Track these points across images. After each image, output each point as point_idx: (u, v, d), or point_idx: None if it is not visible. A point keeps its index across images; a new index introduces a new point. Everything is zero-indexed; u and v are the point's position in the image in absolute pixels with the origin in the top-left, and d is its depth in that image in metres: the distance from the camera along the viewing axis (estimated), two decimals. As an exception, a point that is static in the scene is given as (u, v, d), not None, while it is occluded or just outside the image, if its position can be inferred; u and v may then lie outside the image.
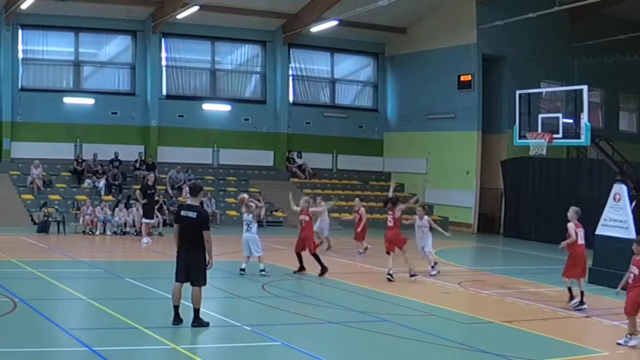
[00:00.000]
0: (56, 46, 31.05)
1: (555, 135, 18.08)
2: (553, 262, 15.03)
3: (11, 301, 12.33)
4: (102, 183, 29.22)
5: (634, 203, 17.57)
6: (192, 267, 11.19)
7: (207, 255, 11.20)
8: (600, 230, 17.75)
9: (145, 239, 22.94)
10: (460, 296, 15.96)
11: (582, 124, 17.42)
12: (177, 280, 11.33)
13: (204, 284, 11.35)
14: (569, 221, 14.43)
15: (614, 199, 17.53)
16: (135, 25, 31.62)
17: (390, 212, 17.09)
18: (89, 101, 31.22)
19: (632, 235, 17.04)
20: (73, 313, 12.58)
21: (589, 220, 19.30)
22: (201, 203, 12.41)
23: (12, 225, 24.61)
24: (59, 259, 19.17)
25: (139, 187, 25.57)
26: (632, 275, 11.34)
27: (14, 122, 29.86)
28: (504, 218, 31.67)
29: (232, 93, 34.12)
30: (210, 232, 11.24)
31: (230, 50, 34.31)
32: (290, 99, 34.86)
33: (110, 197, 28.22)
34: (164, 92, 32.63)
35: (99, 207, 25.32)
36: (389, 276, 16.64)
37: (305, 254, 17.34)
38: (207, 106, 33.34)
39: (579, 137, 17.80)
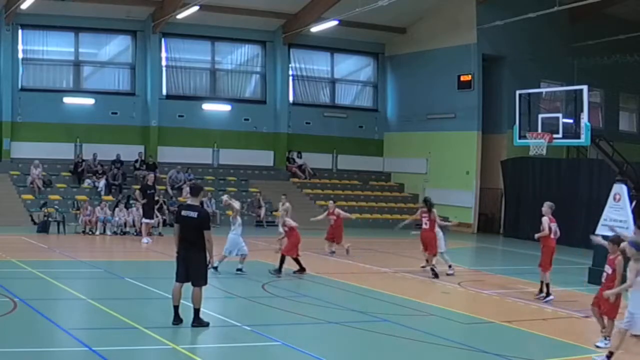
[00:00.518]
0: (56, 46, 31.04)
1: (555, 135, 18.10)
2: (553, 262, 15.03)
3: (11, 301, 12.33)
4: (102, 183, 29.23)
5: (634, 203, 17.57)
6: (192, 267, 11.19)
7: (207, 255, 11.21)
8: (600, 230, 17.69)
9: (145, 239, 22.94)
10: (460, 296, 15.96)
11: (582, 124, 17.43)
12: (177, 280, 11.33)
13: (205, 284, 11.35)
14: (543, 215, 14.98)
15: (614, 199, 17.53)
16: (135, 25, 31.62)
17: (425, 215, 17.67)
18: (89, 101, 31.22)
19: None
20: (73, 313, 12.58)
21: (589, 220, 19.34)
22: (201, 203, 12.41)
23: (12, 225, 24.60)
24: (59, 259, 19.16)
25: (139, 187, 25.57)
26: (605, 274, 11.31)
27: (14, 122, 29.86)
28: (504, 218, 31.66)
29: (232, 93, 34.12)
30: (211, 232, 11.26)
31: (230, 50, 34.31)
32: (290, 99, 34.85)
33: (110, 197, 28.22)
34: (164, 92, 32.63)
35: (98, 207, 25.32)
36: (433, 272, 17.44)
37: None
38: (207, 106, 33.34)
39: (579, 137, 17.82)
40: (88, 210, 25.09)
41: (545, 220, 14.91)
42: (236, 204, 16.97)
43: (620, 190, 17.51)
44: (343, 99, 36.50)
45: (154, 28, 31.40)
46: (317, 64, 35.76)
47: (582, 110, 17.55)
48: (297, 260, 17.34)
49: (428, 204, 17.84)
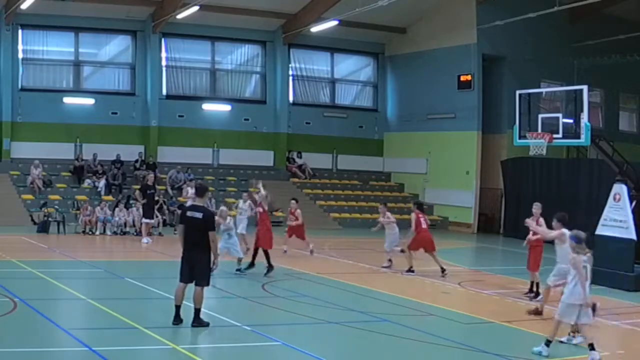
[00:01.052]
0: (56, 46, 31.05)
1: (555, 135, 18.09)
2: (553, 262, 15.01)
3: (11, 301, 12.33)
4: (102, 183, 29.24)
5: (634, 203, 17.57)
6: (196, 268, 11.19)
7: (212, 256, 11.21)
8: (600, 230, 17.74)
9: (145, 239, 22.94)
10: (460, 296, 15.96)
11: (582, 124, 17.43)
12: (181, 280, 11.32)
13: (207, 284, 11.36)
14: (538, 218, 15.19)
15: (614, 199, 17.53)
16: (135, 25, 31.63)
17: (422, 216, 18.40)
18: (89, 101, 31.22)
19: (632, 235, 17.10)
20: (73, 313, 12.58)
21: (589, 220, 19.32)
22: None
23: (12, 225, 24.59)
24: (59, 259, 19.16)
25: (139, 187, 25.57)
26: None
27: (14, 122, 29.86)
28: (504, 218, 31.65)
29: (232, 93, 34.13)
30: (215, 233, 11.26)
31: (230, 50, 34.31)
32: (290, 99, 34.86)
33: (110, 197, 28.22)
34: (164, 92, 32.63)
35: (98, 207, 25.32)
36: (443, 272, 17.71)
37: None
38: (207, 106, 33.35)
39: (579, 137, 17.81)
40: (88, 210, 25.09)
41: (543, 221, 14.88)
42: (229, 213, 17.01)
43: (620, 190, 17.51)
44: (343, 99, 36.50)
45: (154, 28, 31.40)
46: (317, 64, 35.77)
47: (582, 110, 17.54)
48: (266, 254, 17.01)
49: (418, 205, 18.86)
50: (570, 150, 31.14)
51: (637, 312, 14.44)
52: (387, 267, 18.95)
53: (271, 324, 12.03)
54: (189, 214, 11.38)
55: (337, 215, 31.65)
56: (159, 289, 14.08)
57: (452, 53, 32.15)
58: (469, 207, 31.70)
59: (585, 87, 17.84)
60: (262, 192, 17.91)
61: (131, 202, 26.10)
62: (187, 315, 11.22)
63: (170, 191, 29.82)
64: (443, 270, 17.76)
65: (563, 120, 18.16)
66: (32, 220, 25.84)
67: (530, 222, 14.36)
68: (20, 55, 30.28)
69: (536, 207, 15.51)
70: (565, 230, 12.43)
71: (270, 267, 16.79)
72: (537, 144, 18.47)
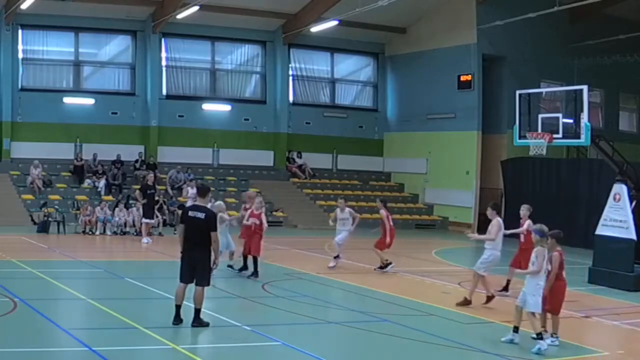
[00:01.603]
0: (56, 46, 31.04)
1: (555, 135, 18.09)
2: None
3: (11, 301, 12.33)
4: (102, 183, 29.24)
5: (634, 203, 17.57)
6: (197, 268, 11.18)
7: (213, 256, 11.20)
8: (600, 230, 17.75)
9: (145, 239, 22.94)
10: (460, 296, 15.91)
11: (582, 124, 17.43)
12: (181, 281, 11.31)
13: (208, 284, 11.36)
14: (523, 218, 15.56)
15: (614, 199, 17.53)
16: (135, 25, 31.62)
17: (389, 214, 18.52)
18: (89, 101, 31.22)
19: (632, 235, 17.10)
20: (73, 313, 12.58)
21: (589, 220, 19.34)
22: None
23: (12, 225, 24.58)
24: (59, 259, 19.17)
25: (139, 187, 25.57)
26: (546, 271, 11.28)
27: (14, 122, 29.85)
28: (504, 218, 31.51)
29: (232, 93, 34.12)
30: (217, 233, 11.26)
31: (230, 50, 34.31)
32: (290, 99, 34.85)
33: (110, 197, 28.22)
34: (164, 92, 32.63)
35: (98, 207, 25.31)
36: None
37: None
38: (207, 106, 33.34)
39: (579, 137, 17.82)
40: (88, 210, 25.08)
41: (530, 223, 14.90)
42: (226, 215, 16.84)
43: (620, 190, 17.51)
44: (343, 99, 36.49)
45: (154, 28, 31.40)
46: (317, 64, 35.76)
47: (582, 110, 17.55)
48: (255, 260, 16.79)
49: (385, 202, 18.86)
50: (570, 150, 31.13)
51: (637, 312, 14.44)
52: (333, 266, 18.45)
53: (271, 324, 12.03)
54: (190, 213, 11.36)
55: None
56: (159, 289, 14.08)
57: (452, 53, 32.14)
58: (469, 207, 31.68)
59: (585, 87, 17.84)
60: (258, 200, 17.61)
61: (131, 202, 26.10)
62: (187, 315, 11.22)
63: (170, 191, 29.82)
64: (385, 266, 17.93)
65: (563, 120, 18.16)
66: (32, 220, 25.84)
67: (473, 235, 15.11)
68: (20, 55, 30.27)
69: (524, 209, 15.75)
70: (499, 219, 14.17)
71: (256, 273, 16.47)
72: (537, 144, 18.47)
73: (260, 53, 34.50)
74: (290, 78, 34.85)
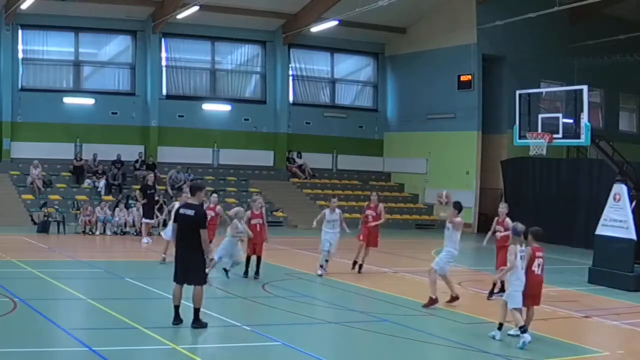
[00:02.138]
0: (56, 46, 31.04)
1: (555, 135, 18.09)
2: (553, 262, 15.04)
3: (11, 301, 12.33)
4: (102, 183, 29.24)
5: (634, 203, 17.56)
6: (190, 268, 11.14)
7: (205, 255, 11.19)
8: (600, 230, 17.75)
9: (145, 239, 22.94)
10: (461, 296, 15.93)
11: (582, 124, 17.43)
12: (175, 281, 11.29)
13: (204, 282, 11.33)
14: (506, 217, 15.81)
15: (614, 199, 17.53)
16: (135, 25, 31.62)
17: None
18: (89, 101, 31.22)
19: (632, 235, 17.10)
20: (73, 313, 12.58)
21: (589, 220, 19.34)
22: (201, 204, 12.26)
23: (12, 225, 24.58)
24: (59, 259, 19.16)
25: (139, 187, 25.57)
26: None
27: (14, 122, 29.85)
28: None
29: (232, 93, 34.12)
30: (207, 231, 11.25)
31: (230, 50, 34.31)
32: (290, 99, 34.85)
33: (110, 197, 28.22)
34: (164, 92, 32.63)
35: (98, 207, 25.31)
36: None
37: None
38: (207, 106, 33.34)
39: (579, 137, 17.81)
40: (88, 211, 25.08)
41: (508, 221, 15.18)
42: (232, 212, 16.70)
43: (620, 190, 17.51)
44: (343, 99, 36.49)
45: (154, 28, 31.40)
46: (317, 64, 35.76)
47: (582, 110, 17.54)
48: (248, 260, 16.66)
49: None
50: (570, 150, 31.12)
51: (637, 312, 14.44)
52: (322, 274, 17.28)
53: (271, 324, 12.02)
54: (181, 211, 11.39)
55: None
56: (159, 289, 14.07)
57: (452, 53, 32.15)
58: (469, 207, 31.60)
59: (585, 87, 17.83)
60: (259, 201, 17.46)
61: (131, 202, 26.10)
62: (187, 315, 11.21)
63: (170, 191, 29.77)
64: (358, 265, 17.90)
65: (563, 120, 18.15)
66: (32, 220, 25.84)
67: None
68: (20, 55, 30.27)
69: (502, 207, 16.00)
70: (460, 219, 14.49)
71: (257, 273, 16.37)
72: (537, 144, 18.47)
73: (260, 53, 34.50)
74: (290, 78, 34.85)
